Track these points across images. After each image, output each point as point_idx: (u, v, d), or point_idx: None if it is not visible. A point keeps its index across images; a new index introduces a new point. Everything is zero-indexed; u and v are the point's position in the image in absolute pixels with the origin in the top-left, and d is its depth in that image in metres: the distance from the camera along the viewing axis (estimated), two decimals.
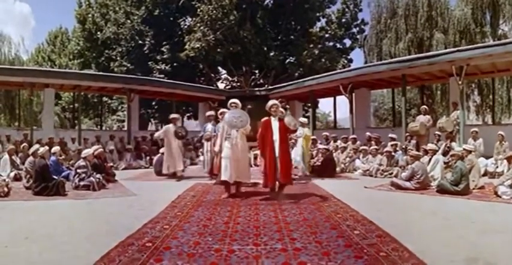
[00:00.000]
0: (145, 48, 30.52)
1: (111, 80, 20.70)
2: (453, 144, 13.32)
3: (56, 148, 12.12)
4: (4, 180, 9.46)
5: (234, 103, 9.64)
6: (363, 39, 32.76)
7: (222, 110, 10.56)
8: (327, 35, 33.43)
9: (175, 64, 29.41)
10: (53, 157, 11.68)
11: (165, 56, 29.11)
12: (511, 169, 9.71)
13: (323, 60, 30.86)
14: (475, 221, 6.44)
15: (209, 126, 12.61)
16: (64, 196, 9.21)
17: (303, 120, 13.80)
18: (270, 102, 9.09)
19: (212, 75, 32.34)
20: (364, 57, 31.24)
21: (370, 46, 30.13)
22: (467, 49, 13.82)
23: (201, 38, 26.58)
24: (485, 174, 11.94)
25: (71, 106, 34.94)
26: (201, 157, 17.02)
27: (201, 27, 26.79)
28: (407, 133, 14.87)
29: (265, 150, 8.66)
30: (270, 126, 8.77)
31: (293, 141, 13.01)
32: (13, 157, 12.69)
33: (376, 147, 14.54)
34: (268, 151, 8.59)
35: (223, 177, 8.86)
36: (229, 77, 33.48)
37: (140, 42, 30.87)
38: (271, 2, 32.26)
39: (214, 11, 26.24)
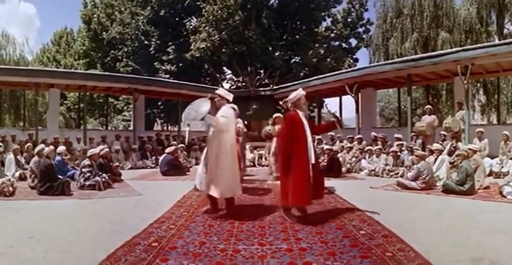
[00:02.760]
0: (150, 48, 30.61)
1: (117, 80, 20.76)
2: (459, 144, 13.29)
3: (61, 148, 12.15)
4: (9, 180, 9.46)
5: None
6: (369, 39, 32.75)
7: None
8: (332, 35, 33.49)
9: (180, 64, 29.49)
10: (58, 157, 11.71)
11: (170, 56, 29.19)
12: None
13: (328, 59, 30.92)
14: (480, 221, 6.42)
15: None
16: (69, 196, 9.22)
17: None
18: (300, 92, 6.90)
19: (217, 75, 32.43)
20: (370, 57, 31.22)
21: (376, 45, 30.09)
22: (472, 48, 13.76)
23: (206, 38, 26.64)
24: (490, 174, 11.88)
25: (76, 106, 35.02)
26: None
27: (206, 28, 26.86)
28: (413, 133, 14.84)
29: (295, 155, 6.37)
30: (301, 122, 6.59)
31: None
32: (18, 157, 12.74)
33: (380, 147, 14.54)
34: (302, 156, 6.38)
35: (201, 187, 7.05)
36: (234, 77, 33.57)
37: (146, 42, 30.97)
38: (276, 1, 32.32)
39: (220, 11, 26.30)
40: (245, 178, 11.51)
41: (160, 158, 14.66)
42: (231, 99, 7.13)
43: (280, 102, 7.27)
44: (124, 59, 31.73)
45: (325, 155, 14.02)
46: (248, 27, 28.04)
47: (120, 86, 20.93)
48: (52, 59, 42.19)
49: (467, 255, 4.64)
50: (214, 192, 6.65)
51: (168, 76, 28.27)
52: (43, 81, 18.41)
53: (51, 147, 10.95)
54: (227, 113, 6.81)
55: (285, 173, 6.48)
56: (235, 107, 9.91)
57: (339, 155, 14.20)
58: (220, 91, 7.23)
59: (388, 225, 5.99)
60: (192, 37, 27.97)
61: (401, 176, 11.61)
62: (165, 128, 35.84)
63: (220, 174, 6.59)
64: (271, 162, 11.41)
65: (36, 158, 10.64)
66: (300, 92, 6.91)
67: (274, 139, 10.90)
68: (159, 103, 32.09)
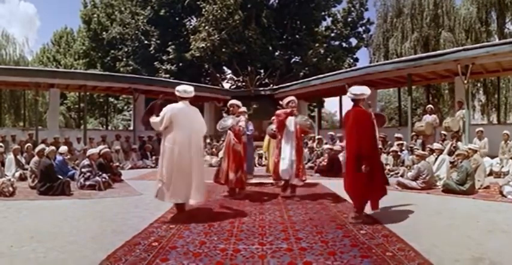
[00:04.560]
0: (151, 48, 30.64)
1: (117, 80, 20.80)
2: (459, 143, 13.29)
3: (63, 148, 12.16)
4: (9, 180, 9.47)
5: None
6: (369, 38, 32.78)
7: (231, 101, 9.77)
8: (332, 34, 33.54)
9: (180, 64, 29.50)
10: (59, 157, 11.71)
11: (170, 56, 29.19)
12: None
13: (328, 59, 30.99)
14: (480, 221, 6.42)
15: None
16: (69, 196, 9.22)
17: None
18: (364, 88, 6.86)
19: (217, 75, 32.42)
20: (370, 57, 31.24)
21: (376, 45, 30.10)
22: (472, 48, 13.77)
23: (206, 37, 26.68)
24: (490, 174, 11.85)
25: (77, 106, 35.03)
26: (207, 157, 17.07)
27: (206, 27, 26.89)
28: (413, 133, 14.83)
29: (377, 153, 6.83)
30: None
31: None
32: (18, 157, 12.73)
33: (380, 146, 14.52)
34: (377, 154, 6.87)
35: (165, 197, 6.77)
36: (234, 77, 33.55)
37: (146, 42, 31.01)
38: (276, 1, 32.32)
39: (219, 11, 26.33)
40: (252, 181, 11.15)
41: None
42: (182, 96, 7.03)
43: (352, 96, 6.74)
44: (124, 59, 31.76)
45: (326, 155, 14.03)
46: (248, 27, 28.06)
47: (121, 86, 20.97)
48: (52, 59, 42.24)
49: (468, 254, 4.64)
50: (164, 197, 6.72)
51: (168, 76, 28.27)
52: (43, 81, 18.42)
53: (52, 147, 10.96)
54: (164, 110, 6.82)
55: (370, 175, 6.26)
56: (238, 103, 9.35)
57: (339, 155, 14.18)
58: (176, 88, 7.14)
59: (388, 224, 5.99)
60: (192, 37, 27.99)
61: (402, 176, 11.58)
62: None
63: (170, 177, 6.59)
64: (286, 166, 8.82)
65: (36, 158, 10.63)
66: (369, 90, 6.84)
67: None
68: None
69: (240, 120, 9.01)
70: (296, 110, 8.96)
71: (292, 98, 9.01)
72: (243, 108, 10.22)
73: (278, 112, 8.83)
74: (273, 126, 9.73)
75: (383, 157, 13.78)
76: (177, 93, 7.02)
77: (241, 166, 8.73)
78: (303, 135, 9.19)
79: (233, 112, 9.27)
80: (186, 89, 7.07)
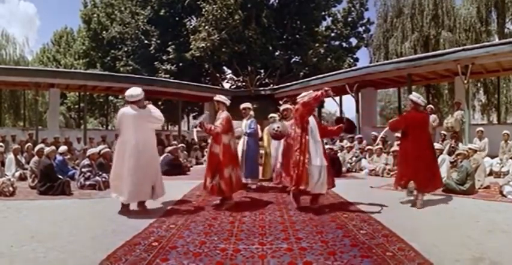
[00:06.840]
0: (151, 48, 30.60)
1: (117, 80, 20.78)
2: (459, 144, 13.29)
3: (63, 148, 12.15)
4: (9, 180, 9.46)
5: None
6: (369, 38, 32.78)
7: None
8: (332, 34, 33.52)
9: (180, 64, 29.49)
10: (59, 157, 11.69)
11: (170, 56, 29.17)
12: None
13: (329, 59, 30.96)
14: (480, 221, 6.41)
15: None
16: (69, 195, 9.21)
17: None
18: (418, 97, 8.05)
19: (217, 74, 32.41)
20: (370, 56, 31.25)
21: (376, 45, 30.09)
22: (472, 48, 13.78)
23: (206, 37, 26.67)
24: (490, 174, 11.84)
25: (77, 106, 35.00)
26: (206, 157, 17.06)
27: (206, 27, 26.89)
28: None
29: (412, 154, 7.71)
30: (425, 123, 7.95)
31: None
32: (18, 156, 12.72)
33: (380, 146, 14.52)
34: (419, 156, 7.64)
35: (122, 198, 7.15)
36: (234, 77, 33.55)
37: (146, 42, 30.98)
38: (276, 1, 32.30)
39: (219, 11, 26.33)
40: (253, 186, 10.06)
41: (161, 158, 14.61)
42: (129, 100, 7.12)
43: (422, 103, 8.11)
44: (124, 59, 31.70)
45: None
46: (248, 27, 28.05)
47: (121, 86, 20.92)
48: (52, 58, 42.22)
49: (468, 254, 4.64)
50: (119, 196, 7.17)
51: (168, 76, 28.25)
52: (43, 81, 18.45)
53: (52, 147, 10.96)
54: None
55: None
56: (223, 99, 8.01)
57: (339, 155, 14.18)
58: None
59: (388, 224, 5.99)
60: (192, 37, 27.98)
61: None
62: (165, 128, 35.81)
63: (121, 177, 7.07)
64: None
65: (36, 158, 10.64)
66: (416, 97, 7.94)
67: (282, 140, 8.69)
68: (160, 103, 32.10)
69: (218, 118, 7.78)
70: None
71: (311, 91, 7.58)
72: (247, 104, 9.95)
73: (305, 101, 7.24)
74: (275, 125, 8.42)
75: (383, 157, 13.80)
76: (126, 98, 7.27)
77: (219, 171, 7.53)
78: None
79: (217, 109, 8.05)
80: (130, 93, 7.16)
